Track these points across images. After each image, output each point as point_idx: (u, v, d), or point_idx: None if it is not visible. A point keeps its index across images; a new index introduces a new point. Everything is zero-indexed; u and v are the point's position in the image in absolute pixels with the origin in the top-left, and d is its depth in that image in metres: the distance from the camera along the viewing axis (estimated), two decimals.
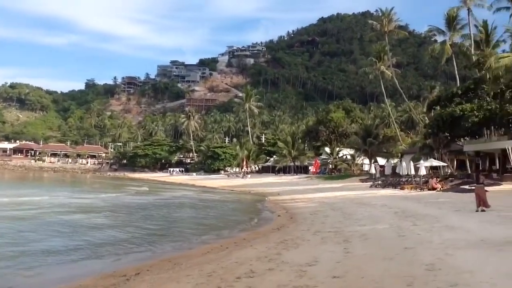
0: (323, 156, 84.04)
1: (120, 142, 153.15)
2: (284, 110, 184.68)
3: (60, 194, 41.16)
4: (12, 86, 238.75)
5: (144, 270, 11.36)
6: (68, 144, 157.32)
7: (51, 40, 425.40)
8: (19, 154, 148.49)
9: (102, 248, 15.29)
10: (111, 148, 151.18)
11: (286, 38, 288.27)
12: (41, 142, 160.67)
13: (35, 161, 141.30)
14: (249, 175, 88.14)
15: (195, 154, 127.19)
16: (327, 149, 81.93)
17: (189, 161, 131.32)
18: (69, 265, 12.77)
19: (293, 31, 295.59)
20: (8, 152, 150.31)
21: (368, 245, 12.60)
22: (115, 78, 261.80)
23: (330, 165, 79.34)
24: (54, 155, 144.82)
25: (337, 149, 79.53)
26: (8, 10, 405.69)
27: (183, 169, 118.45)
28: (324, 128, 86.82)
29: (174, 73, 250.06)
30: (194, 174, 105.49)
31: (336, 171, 76.68)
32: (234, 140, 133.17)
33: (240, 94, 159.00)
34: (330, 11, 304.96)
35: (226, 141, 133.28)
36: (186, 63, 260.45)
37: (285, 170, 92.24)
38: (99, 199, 38.09)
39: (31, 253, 14.01)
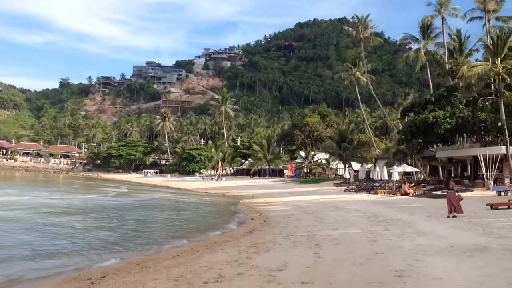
0: (298, 160, 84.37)
1: (94, 143, 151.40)
2: (260, 114, 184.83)
3: (38, 195, 40.45)
4: None
5: (110, 274, 11.08)
6: (41, 143, 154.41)
7: (25, 39, 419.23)
8: None
9: (72, 250, 14.98)
10: (84, 148, 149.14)
11: (263, 42, 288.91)
12: (13, 141, 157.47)
13: (7, 160, 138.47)
14: (224, 178, 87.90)
15: (170, 156, 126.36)
16: (302, 153, 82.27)
17: (164, 162, 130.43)
18: (33, 267, 12.39)
19: (270, 35, 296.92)
20: None
21: (339, 249, 12.55)
22: (90, 78, 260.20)
23: (305, 169, 79.67)
24: (26, 154, 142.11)
25: (312, 153, 79.96)
26: None
27: (157, 170, 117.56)
28: (300, 132, 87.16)
29: (150, 74, 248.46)
30: (169, 175, 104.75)
31: (310, 175, 77.03)
32: (210, 142, 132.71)
33: (216, 97, 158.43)
34: (307, 17, 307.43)
35: (202, 143, 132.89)
36: (162, 64, 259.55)
37: (260, 173, 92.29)
38: (78, 200, 37.73)
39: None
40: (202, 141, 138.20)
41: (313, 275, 9.24)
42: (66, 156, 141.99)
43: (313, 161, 79.13)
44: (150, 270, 11.19)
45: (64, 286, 10.09)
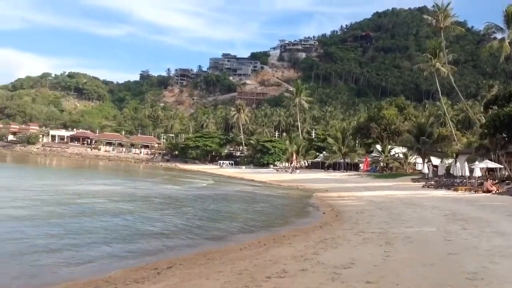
0: (374, 154, 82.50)
1: (172, 133, 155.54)
2: (336, 106, 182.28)
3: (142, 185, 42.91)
4: (70, 75, 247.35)
5: (176, 264, 11.25)
6: (123, 133, 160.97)
7: (108, 31, 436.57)
8: (76, 142, 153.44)
9: (143, 239, 15.42)
10: (163, 139, 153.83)
11: (339, 33, 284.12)
12: (97, 131, 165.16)
13: (91, 150, 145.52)
14: (298, 170, 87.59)
15: (244, 148, 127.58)
16: (379, 147, 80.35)
17: (238, 154, 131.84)
18: (104, 256, 12.81)
19: (346, 25, 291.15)
20: (65, 139, 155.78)
21: (411, 248, 12.04)
22: (168, 70, 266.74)
23: (381, 163, 77.75)
24: (109, 144, 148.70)
25: (389, 147, 77.83)
26: (66, 0, 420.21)
27: (232, 162, 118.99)
28: (376, 125, 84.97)
29: (226, 66, 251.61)
30: (244, 167, 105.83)
31: (387, 170, 75.09)
32: (284, 134, 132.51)
33: (291, 89, 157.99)
34: (385, 6, 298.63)
35: (276, 135, 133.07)
36: (238, 56, 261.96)
37: (334, 167, 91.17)
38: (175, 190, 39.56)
39: (79, 244, 14.21)
40: (277, 133, 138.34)
41: (379, 274, 8.89)
42: (146, 146, 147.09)
43: (390, 155, 77.06)
44: (215, 262, 11.26)
45: (131, 275, 10.34)
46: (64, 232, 16.06)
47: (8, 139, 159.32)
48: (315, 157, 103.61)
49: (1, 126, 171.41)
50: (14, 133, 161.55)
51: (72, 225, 17.74)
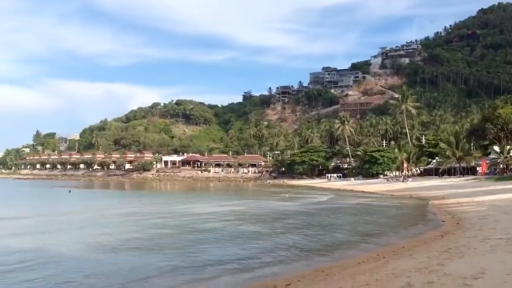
0: (492, 156, 77.39)
1: (277, 150, 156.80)
2: (445, 109, 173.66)
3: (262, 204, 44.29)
4: (178, 103, 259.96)
5: (295, 281, 11.12)
6: (230, 154, 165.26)
7: (210, 58, 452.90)
8: (187, 165, 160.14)
9: (261, 256, 15.52)
10: (269, 156, 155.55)
11: (443, 34, 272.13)
12: (206, 153, 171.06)
13: (201, 172, 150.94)
14: (410, 179, 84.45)
15: (352, 159, 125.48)
16: (496, 148, 75.23)
17: (346, 166, 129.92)
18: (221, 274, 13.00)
19: (450, 25, 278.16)
20: (177, 164, 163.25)
21: None
22: (270, 88, 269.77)
23: (501, 165, 72.80)
24: (217, 165, 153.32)
25: (508, 147, 72.67)
26: (171, 33, 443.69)
27: (340, 174, 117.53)
28: (492, 126, 79.65)
29: (327, 79, 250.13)
30: (352, 179, 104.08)
31: (508, 171, 70.11)
32: (392, 143, 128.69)
33: (396, 96, 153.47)
34: (490, 2, 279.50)
35: (384, 144, 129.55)
36: (338, 68, 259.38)
37: (449, 172, 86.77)
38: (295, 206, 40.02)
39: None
40: (384, 142, 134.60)
41: None
42: (253, 165, 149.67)
43: (510, 156, 71.93)
44: (335, 278, 10.97)
45: None
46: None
47: (126, 168, 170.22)
48: (427, 164, 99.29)
49: (119, 156, 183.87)
50: (130, 162, 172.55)
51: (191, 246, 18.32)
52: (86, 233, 24.05)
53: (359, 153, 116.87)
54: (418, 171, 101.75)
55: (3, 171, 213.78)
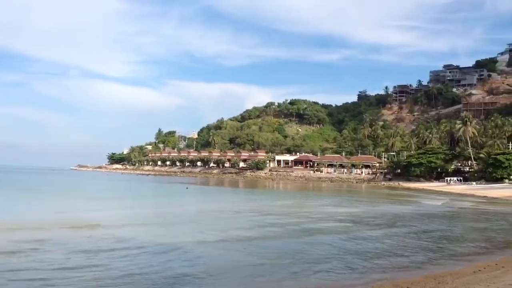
0: None
1: (393, 152, 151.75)
2: None
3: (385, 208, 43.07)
4: (292, 102, 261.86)
5: (404, 287, 10.11)
6: (343, 154, 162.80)
7: (324, 57, 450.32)
8: (299, 165, 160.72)
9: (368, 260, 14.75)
10: (384, 157, 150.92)
11: None
12: (319, 153, 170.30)
13: (314, 172, 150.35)
14: None
15: (474, 162, 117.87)
16: None
17: (467, 169, 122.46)
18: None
19: None
20: (289, 163, 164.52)
21: None
22: (386, 87, 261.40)
23: None
24: (330, 165, 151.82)
25: None
26: (286, 33, 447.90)
27: (461, 178, 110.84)
28: None
29: (448, 78, 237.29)
30: (474, 183, 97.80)
31: None
32: None
33: None
34: None
35: (510, 147, 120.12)
36: (460, 66, 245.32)
37: None
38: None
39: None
40: (510, 144, 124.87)
41: None
42: (366, 166, 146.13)
43: None
44: (447, 286, 9.79)
45: None
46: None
47: (240, 166, 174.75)
48: None
49: (233, 154, 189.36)
50: (244, 160, 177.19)
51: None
52: (228, 226, 26.95)
53: (482, 155, 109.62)
54: None
55: (127, 166, 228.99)
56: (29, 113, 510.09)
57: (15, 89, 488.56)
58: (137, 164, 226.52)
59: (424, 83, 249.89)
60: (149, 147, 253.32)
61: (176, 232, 24.38)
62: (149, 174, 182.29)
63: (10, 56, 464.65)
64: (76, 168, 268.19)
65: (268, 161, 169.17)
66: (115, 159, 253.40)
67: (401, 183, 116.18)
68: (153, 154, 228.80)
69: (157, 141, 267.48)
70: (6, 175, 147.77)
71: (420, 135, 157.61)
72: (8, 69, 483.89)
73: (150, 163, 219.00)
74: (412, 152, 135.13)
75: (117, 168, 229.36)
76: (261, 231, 24.58)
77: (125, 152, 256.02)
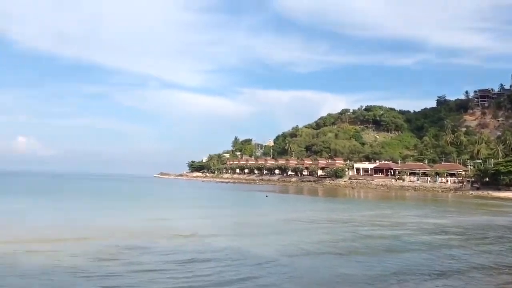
0: None
1: (479, 159, 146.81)
2: None
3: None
4: (367, 109, 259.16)
5: None
6: (425, 162, 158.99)
7: (399, 62, 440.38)
8: (380, 173, 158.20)
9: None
10: (470, 165, 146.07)
11: None
12: (399, 161, 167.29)
13: (395, 180, 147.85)
14: None
15: None
16: None
17: None
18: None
19: None
20: (369, 171, 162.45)
21: None
22: (467, 92, 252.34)
23: None
24: (412, 173, 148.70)
25: None
26: (357, 38, 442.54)
27: None
28: None
29: None
30: None
31: None
32: None
33: None
34: None
35: None
36: None
37: None
38: None
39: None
40: None
41: None
42: (451, 174, 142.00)
43: None
44: None
45: None
46: None
47: (318, 174, 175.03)
48: None
49: (311, 162, 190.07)
50: (322, 168, 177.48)
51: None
52: (323, 237, 27.85)
53: None
54: None
55: (207, 174, 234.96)
56: (110, 123, 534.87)
57: (96, 100, 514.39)
58: (216, 172, 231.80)
59: (506, 86, 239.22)
60: (227, 155, 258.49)
61: (271, 243, 26.29)
62: (228, 182, 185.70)
63: (89, 68, 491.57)
64: (159, 175, 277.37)
65: (347, 169, 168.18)
66: (195, 167, 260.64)
67: (490, 192, 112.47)
68: (231, 162, 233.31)
69: (234, 149, 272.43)
70: (97, 182, 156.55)
71: (507, 141, 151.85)
72: (90, 81, 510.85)
73: (229, 171, 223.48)
74: (499, 159, 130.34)
75: (197, 176, 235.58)
76: (365, 242, 25.68)
77: (204, 160, 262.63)
